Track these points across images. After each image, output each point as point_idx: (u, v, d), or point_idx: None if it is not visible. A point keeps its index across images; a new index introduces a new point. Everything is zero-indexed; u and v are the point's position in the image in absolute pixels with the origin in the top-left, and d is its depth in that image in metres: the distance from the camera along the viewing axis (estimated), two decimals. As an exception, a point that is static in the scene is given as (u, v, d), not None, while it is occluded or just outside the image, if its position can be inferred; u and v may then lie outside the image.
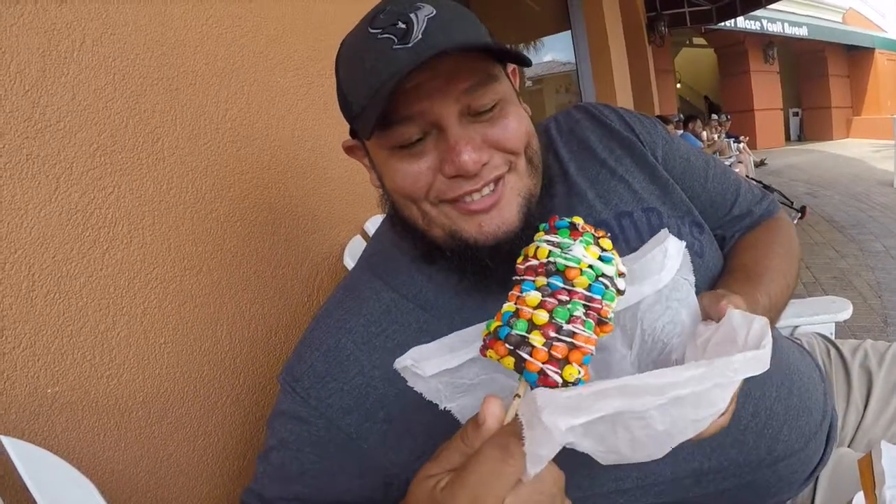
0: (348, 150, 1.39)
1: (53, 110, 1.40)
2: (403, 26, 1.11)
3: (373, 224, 2.54)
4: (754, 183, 2.76)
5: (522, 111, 1.26)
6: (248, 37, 2.05)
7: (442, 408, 0.99)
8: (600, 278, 0.93)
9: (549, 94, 10.49)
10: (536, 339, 0.86)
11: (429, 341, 1.26)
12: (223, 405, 1.77)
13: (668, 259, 1.07)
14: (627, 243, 1.38)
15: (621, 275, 0.98)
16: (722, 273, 1.48)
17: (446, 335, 1.23)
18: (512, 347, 0.86)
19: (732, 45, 27.41)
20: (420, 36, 1.10)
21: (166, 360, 1.61)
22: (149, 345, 1.57)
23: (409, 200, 1.23)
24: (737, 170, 8.59)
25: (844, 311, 2.26)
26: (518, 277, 0.97)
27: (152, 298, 1.59)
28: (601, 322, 0.92)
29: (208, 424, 1.71)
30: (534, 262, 0.96)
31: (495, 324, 0.91)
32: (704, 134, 14.15)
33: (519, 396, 0.87)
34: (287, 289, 2.07)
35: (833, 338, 2.01)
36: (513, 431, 0.77)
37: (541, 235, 1.00)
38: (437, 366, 0.97)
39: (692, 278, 1.11)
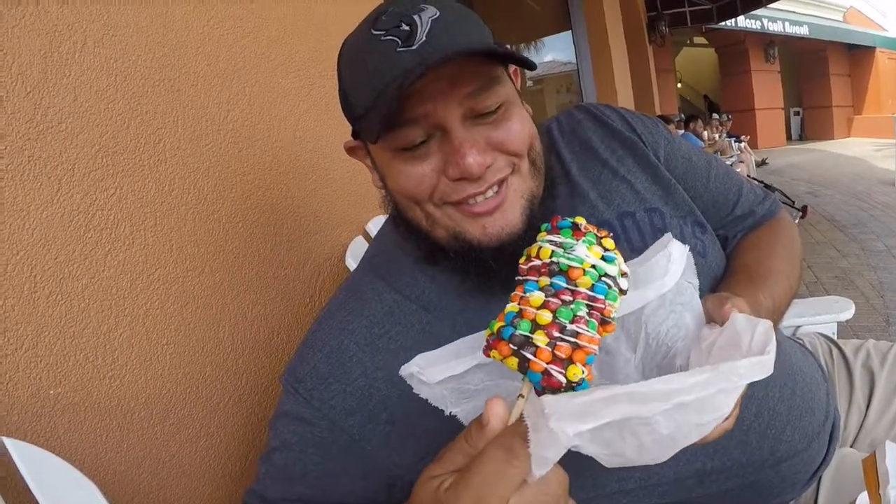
0: (350, 150, 1.39)
1: (55, 112, 1.40)
2: (407, 28, 1.11)
3: (375, 225, 2.53)
4: (756, 183, 2.76)
5: (525, 113, 1.26)
6: (250, 38, 2.05)
7: (447, 413, 0.99)
8: (603, 278, 0.93)
9: (550, 94, 10.50)
10: (540, 339, 0.85)
11: (431, 342, 1.26)
12: (225, 406, 1.77)
13: (672, 263, 1.07)
14: (630, 243, 1.38)
15: (624, 275, 0.98)
16: (725, 274, 1.47)
17: (449, 336, 1.23)
18: (516, 347, 0.86)
19: (733, 44, 27.39)
20: (424, 38, 1.10)
21: (168, 361, 1.61)
22: (151, 346, 1.57)
23: (413, 202, 1.23)
24: (738, 169, 8.59)
25: (847, 310, 2.26)
26: (521, 278, 0.97)
27: (154, 300, 1.59)
28: (604, 322, 0.92)
29: (210, 425, 1.71)
30: (537, 262, 0.96)
31: (498, 324, 0.90)
32: (705, 134, 14.14)
33: (523, 397, 0.87)
34: (289, 290, 2.07)
35: (835, 338, 2.01)
36: (517, 432, 0.77)
37: (543, 236, 1.00)
38: (442, 372, 0.97)
39: (696, 282, 1.11)
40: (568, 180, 1.45)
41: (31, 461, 1.17)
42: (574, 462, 0.77)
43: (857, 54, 30.17)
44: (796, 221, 9.43)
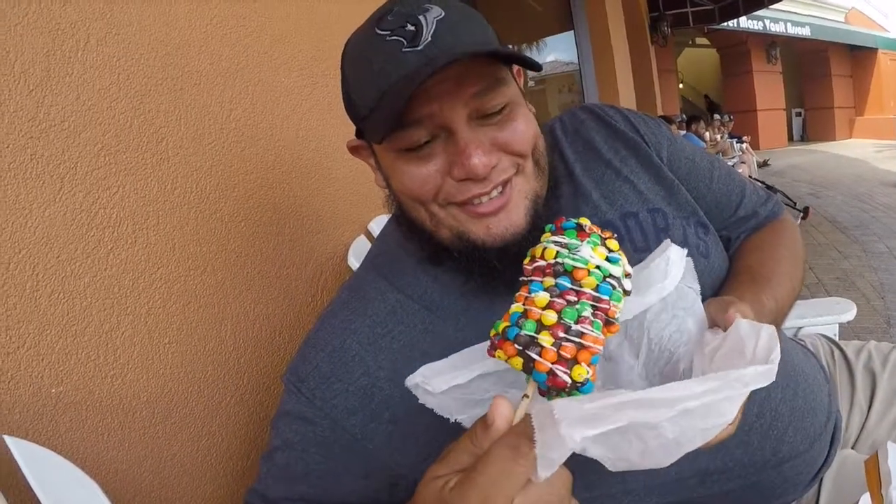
0: (353, 150, 1.39)
1: (58, 110, 1.40)
2: (412, 28, 1.11)
3: (377, 224, 2.53)
4: (758, 184, 2.76)
5: (529, 114, 1.26)
6: (253, 37, 2.05)
7: (452, 420, 0.99)
8: (608, 279, 0.94)
9: (552, 94, 10.48)
10: (545, 339, 0.86)
11: (434, 342, 1.27)
12: (227, 405, 1.77)
13: (672, 266, 1.07)
14: (633, 244, 1.38)
15: (627, 275, 0.98)
16: (728, 275, 1.47)
17: (451, 335, 1.24)
18: (521, 348, 0.86)
19: (735, 45, 27.37)
20: (429, 38, 1.09)
21: (170, 360, 1.61)
22: (153, 345, 1.57)
23: (417, 202, 1.23)
24: (740, 170, 8.60)
25: (848, 312, 2.26)
26: (525, 278, 0.97)
27: (157, 298, 1.59)
28: (608, 322, 0.92)
29: (212, 424, 1.71)
30: (541, 262, 0.96)
31: (503, 324, 0.91)
32: (707, 134, 14.15)
33: (527, 397, 0.87)
34: (291, 289, 2.07)
35: (837, 339, 2.00)
36: (523, 432, 0.77)
37: (548, 236, 1.00)
38: (446, 382, 0.98)
39: (697, 286, 1.12)
40: (571, 180, 1.45)
41: (33, 460, 1.17)
42: (577, 462, 0.77)
43: (859, 55, 30.16)
44: (798, 222, 9.43)
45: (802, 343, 1.88)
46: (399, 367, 1.25)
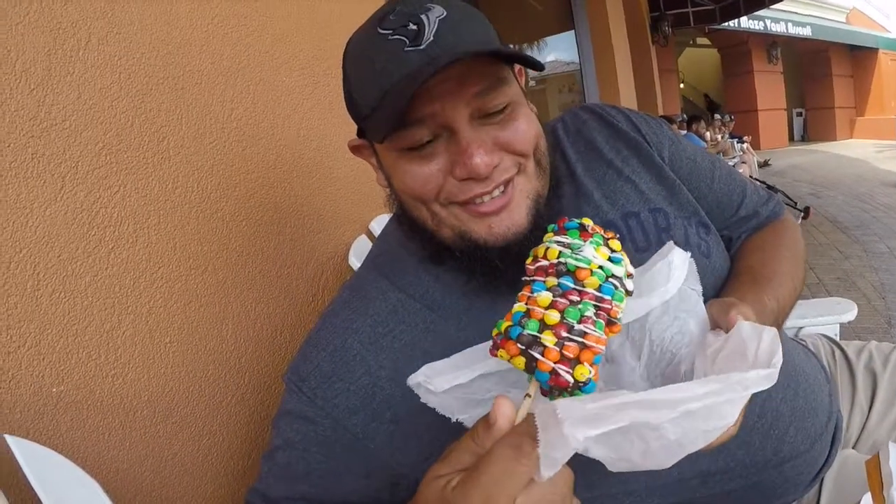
0: (354, 149, 1.39)
1: (59, 109, 1.40)
2: (414, 27, 1.11)
3: (378, 224, 2.53)
4: (759, 184, 2.76)
5: (531, 113, 1.26)
6: (254, 36, 2.05)
7: (454, 420, 0.99)
8: (610, 279, 0.94)
9: (553, 93, 10.49)
10: (548, 338, 0.86)
11: (435, 341, 1.27)
12: (228, 404, 1.77)
13: (674, 270, 1.07)
14: (634, 243, 1.38)
15: (630, 276, 0.99)
16: (729, 275, 1.47)
17: (453, 335, 1.24)
18: (524, 347, 0.86)
19: (736, 44, 27.37)
20: (432, 38, 1.09)
21: (171, 359, 1.61)
22: (154, 344, 1.57)
23: (419, 202, 1.23)
24: (741, 170, 8.59)
25: (849, 312, 2.26)
26: (528, 278, 0.97)
27: (158, 297, 1.59)
28: (610, 322, 0.92)
29: (213, 424, 1.71)
30: (544, 262, 0.96)
31: (506, 324, 0.91)
32: (708, 134, 14.14)
33: (530, 396, 0.87)
34: (292, 288, 2.07)
35: (838, 339, 2.00)
36: (525, 431, 0.77)
37: (550, 236, 1.01)
38: (448, 381, 0.98)
39: (699, 288, 1.12)
40: (573, 180, 1.45)
41: (34, 459, 1.17)
42: (579, 462, 0.77)
43: (860, 55, 30.14)
44: (798, 222, 9.43)
45: (803, 343, 1.88)
46: (400, 366, 1.25)
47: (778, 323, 1.37)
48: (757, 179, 11.81)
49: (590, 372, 0.85)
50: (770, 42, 27.44)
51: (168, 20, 1.72)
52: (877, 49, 29.71)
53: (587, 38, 8.81)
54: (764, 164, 18.79)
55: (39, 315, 1.33)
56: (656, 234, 1.39)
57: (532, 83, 10.12)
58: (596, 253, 0.95)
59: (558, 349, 0.85)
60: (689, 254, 1.11)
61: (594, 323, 0.89)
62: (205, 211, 1.76)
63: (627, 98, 9.41)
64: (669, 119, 11.38)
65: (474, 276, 1.27)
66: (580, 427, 0.71)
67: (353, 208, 2.46)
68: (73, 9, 1.46)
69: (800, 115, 32.04)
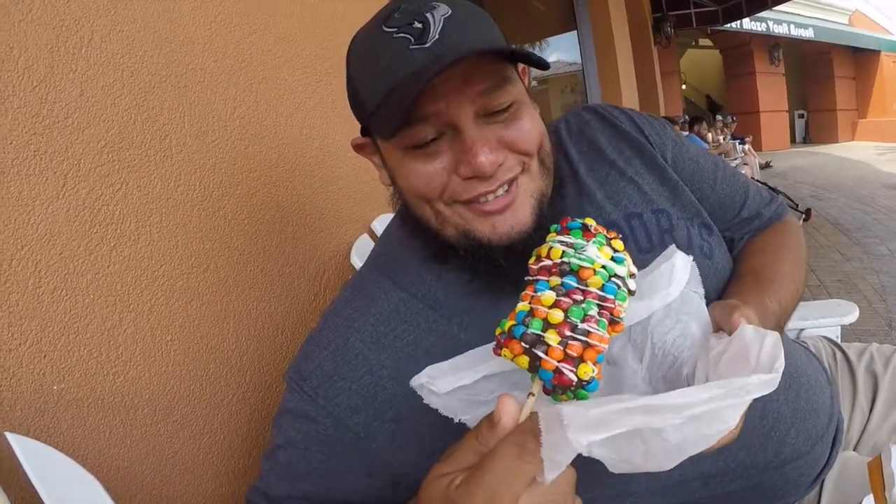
0: (357, 147, 1.39)
1: (61, 107, 1.40)
2: (420, 26, 1.11)
3: (380, 223, 2.53)
4: (762, 185, 2.76)
5: (535, 112, 1.26)
6: (257, 34, 2.05)
7: (456, 421, 0.99)
8: (613, 278, 0.94)
9: (555, 94, 10.49)
10: (552, 337, 0.86)
11: (437, 341, 1.27)
12: (229, 403, 1.77)
13: (677, 273, 1.07)
14: (637, 244, 1.38)
15: (632, 276, 0.99)
16: (732, 276, 1.47)
17: (455, 334, 1.24)
18: (528, 346, 0.87)
19: (738, 46, 27.34)
20: (437, 36, 1.09)
21: (173, 357, 1.61)
22: (155, 342, 1.57)
23: (423, 200, 1.23)
24: (742, 172, 8.60)
25: (850, 314, 2.26)
26: (531, 277, 0.97)
27: (159, 296, 1.59)
28: (613, 321, 0.93)
29: (214, 422, 1.71)
30: (547, 262, 0.96)
31: (509, 323, 0.91)
32: (710, 136, 14.14)
33: (533, 395, 0.88)
34: (294, 287, 2.07)
35: (839, 341, 2.00)
36: (529, 430, 0.77)
37: (553, 236, 1.01)
38: (451, 383, 0.98)
39: (702, 290, 1.12)
40: (576, 180, 1.45)
41: (34, 457, 1.17)
42: (581, 463, 0.77)
43: (862, 57, 30.10)
44: (800, 224, 9.43)
45: (804, 345, 1.88)
46: (402, 365, 1.25)
47: (780, 325, 1.37)
48: (758, 181, 11.80)
49: (593, 371, 0.85)
50: (772, 43, 27.41)
51: (171, 18, 1.72)
52: (879, 51, 29.66)
53: (589, 38, 8.81)
54: (766, 166, 18.78)
55: (41, 312, 1.33)
56: (659, 234, 1.39)
57: (534, 83, 10.12)
58: (599, 252, 0.95)
59: (562, 348, 0.85)
60: (691, 257, 1.11)
61: (597, 322, 0.89)
62: (207, 209, 1.76)
63: (629, 99, 9.41)
64: (671, 120, 11.39)
65: (477, 276, 1.27)
66: (584, 432, 0.71)
67: (355, 207, 2.46)
68: (76, 6, 1.46)
69: (802, 116, 31.99)
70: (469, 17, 1.15)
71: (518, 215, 1.20)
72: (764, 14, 22.54)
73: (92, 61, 1.48)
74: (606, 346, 0.89)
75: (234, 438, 1.77)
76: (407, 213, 1.33)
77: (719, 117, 17.28)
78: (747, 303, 1.17)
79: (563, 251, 0.95)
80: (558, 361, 0.84)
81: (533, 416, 0.79)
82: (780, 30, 26.46)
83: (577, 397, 0.86)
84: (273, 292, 1.97)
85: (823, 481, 1.51)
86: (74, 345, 1.39)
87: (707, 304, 1.12)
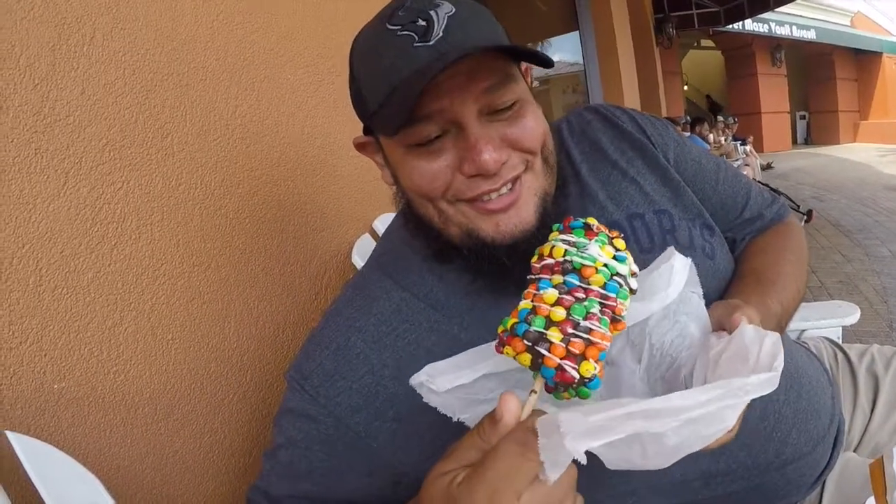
0: (360, 146, 1.39)
1: (63, 105, 1.40)
2: (423, 24, 1.11)
3: (381, 222, 2.53)
4: (763, 186, 2.75)
5: (539, 111, 1.26)
6: (259, 33, 2.05)
7: (455, 419, 0.99)
8: (615, 277, 0.95)
9: (557, 94, 10.50)
10: (554, 335, 0.86)
11: (439, 340, 1.27)
12: (230, 402, 1.77)
13: (675, 275, 1.07)
14: (639, 244, 1.37)
15: (634, 274, 0.99)
16: (733, 277, 1.47)
17: (457, 334, 1.24)
18: (530, 343, 0.87)
19: (740, 47, 27.32)
20: (441, 34, 1.10)
21: (173, 356, 1.61)
22: (156, 341, 1.57)
23: (426, 199, 1.23)
24: (743, 172, 8.60)
25: (852, 315, 2.26)
26: (533, 276, 0.98)
27: (160, 294, 1.59)
28: (615, 320, 0.93)
29: (215, 421, 1.71)
30: (549, 261, 0.97)
31: (512, 320, 0.91)
32: (711, 136, 14.13)
33: (535, 392, 0.88)
34: (295, 286, 2.07)
35: (840, 342, 2.00)
36: (531, 427, 0.77)
37: (555, 235, 1.01)
38: (451, 382, 0.98)
39: (700, 290, 1.12)
40: (578, 180, 1.44)
41: (35, 455, 1.17)
42: (581, 463, 0.77)
43: (864, 59, 30.07)
44: (801, 225, 9.43)
45: (806, 345, 1.88)
46: (403, 365, 1.25)
47: (781, 326, 1.37)
48: (760, 182, 11.79)
49: (595, 368, 0.86)
50: (774, 45, 27.40)
51: (173, 16, 1.72)
52: (881, 53, 29.64)
53: (591, 38, 8.80)
54: (767, 167, 18.78)
55: (41, 311, 1.33)
56: (661, 235, 1.39)
57: (536, 83, 10.09)
58: (601, 251, 0.96)
59: (564, 345, 0.86)
60: (689, 259, 1.11)
61: (599, 320, 0.89)
62: (208, 208, 1.75)
63: (631, 99, 9.40)
64: (673, 121, 11.37)
65: (480, 275, 1.27)
66: (582, 440, 0.71)
67: (356, 207, 2.46)
68: (78, 4, 1.46)
69: (803, 118, 31.97)
70: (472, 16, 1.16)
71: (522, 214, 1.20)
72: (766, 15, 22.54)
73: (93, 59, 1.48)
74: (609, 344, 0.89)
75: (235, 437, 1.77)
76: (409, 213, 1.33)
77: (720, 118, 17.27)
78: (749, 303, 1.17)
79: (566, 250, 0.96)
80: (560, 359, 0.85)
81: (535, 413, 0.80)
82: (782, 31, 26.45)
83: (579, 395, 0.86)
84: (274, 291, 1.97)
85: (825, 482, 1.51)
86: (75, 343, 1.38)
87: (708, 305, 1.12)
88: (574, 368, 0.85)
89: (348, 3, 2.55)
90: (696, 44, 29.41)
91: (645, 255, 1.29)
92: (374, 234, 2.49)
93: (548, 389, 0.88)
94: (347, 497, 1.29)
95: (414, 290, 1.35)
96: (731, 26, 20.23)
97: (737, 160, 13.24)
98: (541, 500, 0.77)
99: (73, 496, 1.20)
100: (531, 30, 9.50)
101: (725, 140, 14.91)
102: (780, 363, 0.84)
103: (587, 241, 0.97)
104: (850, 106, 29.95)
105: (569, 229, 1.01)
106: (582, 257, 0.94)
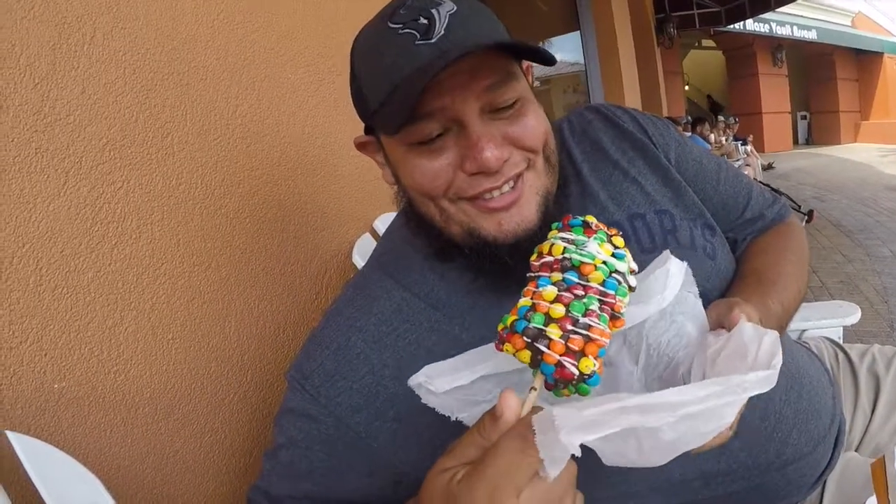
0: (361, 146, 1.39)
1: (63, 104, 1.40)
2: (425, 22, 1.11)
3: (382, 222, 2.53)
4: (764, 187, 2.76)
5: (540, 109, 1.26)
6: (260, 32, 2.05)
7: (453, 419, 1.00)
8: (614, 274, 0.95)
9: (558, 94, 10.49)
10: (553, 331, 0.86)
11: (439, 340, 1.27)
12: (230, 402, 1.77)
13: (671, 278, 1.07)
14: (640, 244, 1.37)
15: (633, 272, 0.99)
16: (734, 277, 1.47)
17: (457, 334, 1.24)
18: (529, 340, 0.87)
19: (741, 47, 27.33)
20: (443, 32, 1.10)
21: (174, 356, 1.61)
22: (157, 341, 1.57)
23: (427, 198, 1.23)
24: (745, 173, 8.59)
25: (852, 315, 2.26)
26: (533, 274, 0.98)
27: (161, 294, 1.59)
28: (614, 317, 0.93)
29: (215, 421, 1.71)
30: (549, 258, 0.97)
31: (511, 318, 0.91)
32: (712, 136, 14.13)
33: (535, 389, 0.88)
34: (296, 286, 2.07)
35: (841, 342, 2.00)
36: (531, 424, 0.77)
37: (555, 233, 1.02)
38: (449, 383, 0.99)
39: (696, 290, 1.12)
40: (579, 180, 1.44)
41: (35, 455, 1.17)
42: (582, 461, 0.77)
43: (865, 59, 30.07)
44: (802, 225, 9.42)
45: (806, 345, 1.88)
46: (404, 365, 1.25)
47: (782, 326, 1.37)
48: (761, 182, 11.79)
49: (594, 364, 0.86)
50: (775, 45, 27.41)
51: (173, 16, 1.72)
52: (882, 53, 29.64)
53: (592, 38, 8.80)
54: (768, 167, 18.79)
55: (41, 311, 1.33)
56: (662, 235, 1.39)
57: (536, 83, 10.08)
58: (600, 249, 0.96)
59: (563, 342, 0.86)
60: (685, 263, 1.10)
61: (598, 316, 0.90)
62: (208, 207, 1.75)
63: (632, 99, 9.40)
64: (674, 121, 11.37)
65: (482, 274, 1.27)
66: (577, 433, 0.71)
67: (357, 206, 2.46)
68: (79, 3, 1.46)
69: (804, 118, 31.97)
70: (474, 14, 1.16)
71: (524, 212, 1.20)
72: (767, 15, 22.57)
73: (94, 59, 1.48)
74: (608, 341, 0.89)
75: (236, 437, 1.77)
76: (411, 212, 1.33)
77: (721, 118, 17.27)
78: (749, 303, 1.17)
79: (565, 247, 0.96)
80: (560, 355, 0.85)
81: (534, 411, 0.80)
82: (783, 31, 26.46)
83: (579, 391, 0.87)
84: (275, 291, 1.97)
85: (825, 482, 1.51)
86: (75, 343, 1.38)
87: (707, 305, 1.12)
88: (573, 365, 0.85)
89: (349, 2, 2.55)
90: (697, 44, 29.44)
91: (646, 256, 1.29)
92: (374, 233, 2.49)
93: (547, 387, 0.88)
94: (348, 497, 1.29)
95: (415, 289, 1.35)
96: (732, 26, 20.23)
97: (738, 160, 13.23)
98: (541, 497, 0.77)
99: (74, 496, 1.20)
100: (532, 30, 9.49)
101: (726, 140, 14.90)
102: (778, 361, 0.84)
103: (586, 239, 0.97)
104: (851, 106, 29.96)
105: (568, 227, 1.01)
106: (581, 255, 0.94)
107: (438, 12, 1.12)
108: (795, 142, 30.46)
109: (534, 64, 1.27)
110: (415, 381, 0.99)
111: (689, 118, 14.81)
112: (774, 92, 27.76)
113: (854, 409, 1.71)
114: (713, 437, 0.78)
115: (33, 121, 1.34)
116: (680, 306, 1.08)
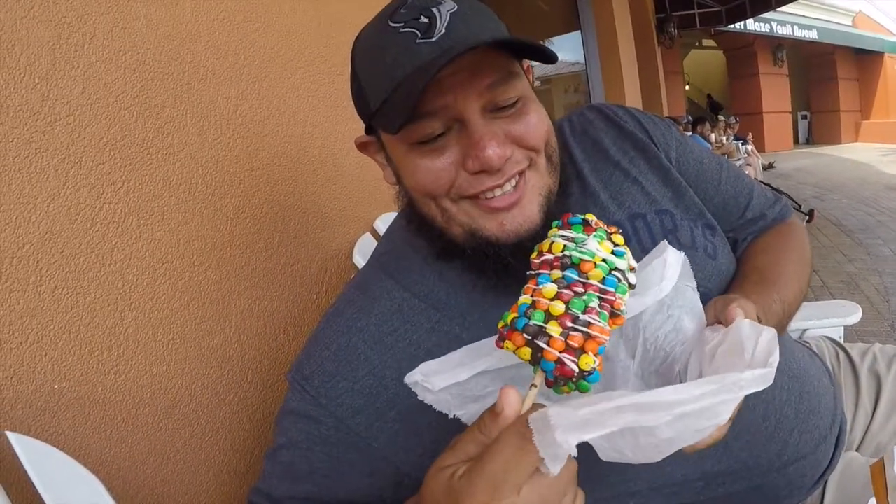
0: (361, 146, 1.39)
1: (63, 104, 1.40)
2: (426, 20, 1.11)
3: (382, 222, 2.53)
4: (765, 186, 2.76)
5: (542, 108, 1.26)
6: (260, 32, 2.04)
7: (451, 416, 1.00)
8: (613, 272, 0.95)
9: (558, 93, 10.49)
10: (553, 328, 0.87)
11: (440, 340, 1.27)
12: (231, 402, 1.76)
13: (668, 269, 1.07)
14: (640, 244, 1.37)
15: (632, 269, 1.00)
16: (736, 276, 1.47)
17: (458, 334, 1.23)
18: (529, 337, 0.87)
19: (742, 47, 27.33)
20: (444, 30, 1.10)
21: (174, 356, 1.60)
22: (157, 341, 1.56)
23: (429, 197, 1.23)
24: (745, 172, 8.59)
25: (853, 314, 2.26)
26: (533, 271, 0.98)
27: (161, 294, 1.59)
28: (614, 314, 0.93)
29: (216, 421, 1.71)
30: (549, 256, 0.97)
31: (511, 315, 0.91)
32: (713, 136, 14.13)
33: (535, 386, 0.88)
34: (296, 286, 2.06)
35: (842, 342, 2.00)
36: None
37: (554, 231, 1.02)
38: (446, 380, 0.99)
39: (694, 284, 1.11)
40: (580, 180, 1.44)
41: (35, 456, 1.17)
42: (582, 460, 0.77)
43: (866, 59, 30.06)
44: (803, 225, 9.41)
45: (807, 345, 1.87)
46: (405, 365, 1.24)
47: (782, 325, 1.37)
48: (762, 182, 11.79)
49: (594, 361, 0.86)
50: (776, 44, 27.41)
51: (173, 15, 1.72)
52: (883, 53, 29.64)
53: (593, 38, 8.79)
54: (769, 167, 18.78)
55: (42, 311, 1.32)
56: (662, 235, 1.39)
57: (537, 83, 10.10)
58: (599, 246, 0.96)
59: (563, 339, 0.86)
60: (682, 253, 1.10)
61: (598, 314, 0.90)
62: (209, 207, 1.75)
63: (633, 99, 9.39)
64: (675, 120, 11.37)
65: (483, 275, 1.27)
66: (573, 432, 0.71)
67: (357, 206, 2.46)
68: (79, 3, 1.45)
69: (805, 117, 31.97)
70: (475, 13, 1.16)
71: (526, 212, 1.20)
72: (767, 15, 22.57)
73: (94, 59, 1.48)
74: (608, 338, 0.89)
75: (236, 438, 1.77)
76: (412, 212, 1.33)
77: (721, 117, 17.27)
78: (749, 300, 1.16)
79: (565, 245, 0.97)
80: (560, 352, 0.85)
81: (534, 407, 0.80)
82: (784, 31, 26.46)
83: (579, 388, 0.87)
84: (275, 291, 1.97)
85: (826, 482, 1.50)
86: (75, 343, 1.38)
87: (706, 301, 1.12)
88: (573, 362, 0.85)
89: (349, 2, 2.55)
90: (697, 43, 29.45)
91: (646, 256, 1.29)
92: (375, 233, 2.49)
93: (548, 384, 0.88)
94: (348, 498, 1.29)
95: (415, 290, 1.35)
96: (732, 26, 20.20)
97: (739, 159, 13.22)
98: (541, 494, 0.77)
99: (74, 497, 1.19)
100: (533, 29, 9.49)
101: (727, 140, 14.90)
102: (775, 359, 0.83)
103: (585, 237, 0.97)
104: (851, 106, 29.96)
105: (567, 225, 1.01)
106: (580, 252, 0.94)
107: (439, 11, 1.12)
108: (796, 141, 30.47)
109: (534, 63, 1.27)
110: (411, 378, 0.99)
111: (690, 118, 14.81)
112: (775, 91, 27.76)
113: (855, 409, 1.70)
114: (708, 434, 0.78)
115: (33, 121, 1.33)
116: (678, 300, 1.08)
